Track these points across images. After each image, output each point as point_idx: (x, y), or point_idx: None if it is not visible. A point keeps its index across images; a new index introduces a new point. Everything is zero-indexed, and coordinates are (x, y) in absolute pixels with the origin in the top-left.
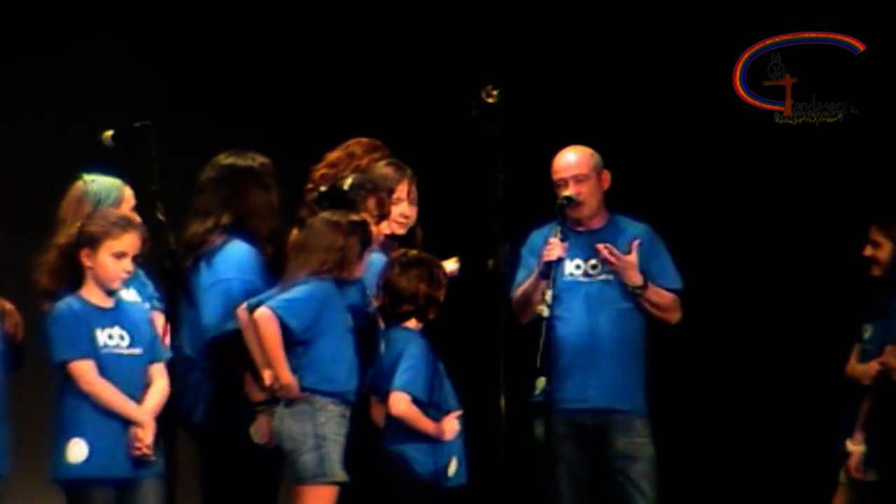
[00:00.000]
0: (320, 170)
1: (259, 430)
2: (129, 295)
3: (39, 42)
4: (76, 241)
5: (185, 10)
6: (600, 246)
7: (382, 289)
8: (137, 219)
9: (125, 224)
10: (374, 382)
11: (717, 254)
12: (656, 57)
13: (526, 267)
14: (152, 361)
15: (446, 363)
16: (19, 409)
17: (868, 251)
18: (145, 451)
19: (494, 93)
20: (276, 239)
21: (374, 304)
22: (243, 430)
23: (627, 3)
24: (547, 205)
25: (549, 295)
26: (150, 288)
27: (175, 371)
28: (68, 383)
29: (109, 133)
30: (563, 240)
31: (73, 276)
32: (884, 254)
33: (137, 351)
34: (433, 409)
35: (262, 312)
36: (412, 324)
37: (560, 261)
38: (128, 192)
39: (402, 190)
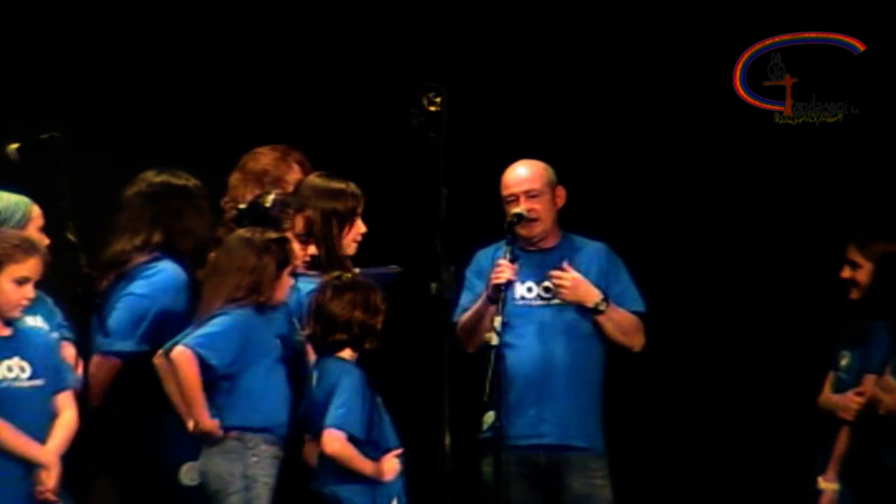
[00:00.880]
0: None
1: (190, 472)
2: (34, 321)
3: None
4: None
5: (94, 11)
6: (554, 274)
7: (313, 315)
8: (45, 240)
9: (29, 247)
10: (306, 419)
11: (717, 266)
12: (655, 57)
13: (472, 290)
14: (58, 391)
15: (385, 397)
16: None
17: (846, 273)
18: (49, 496)
19: (437, 100)
20: (204, 262)
21: (304, 332)
22: (172, 470)
23: (627, 3)
24: (495, 223)
25: (497, 321)
26: (59, 316)
27: (85, 404)
28: None
29: (14, 146)
30: (512, 261)
31: None
32: (863, 275)
33: (39, 382)
34: (371, 447)
35: (180, 352)
36: (346, 354)
37: (510, 283)
38: (35, 211)
39: (361, 206)
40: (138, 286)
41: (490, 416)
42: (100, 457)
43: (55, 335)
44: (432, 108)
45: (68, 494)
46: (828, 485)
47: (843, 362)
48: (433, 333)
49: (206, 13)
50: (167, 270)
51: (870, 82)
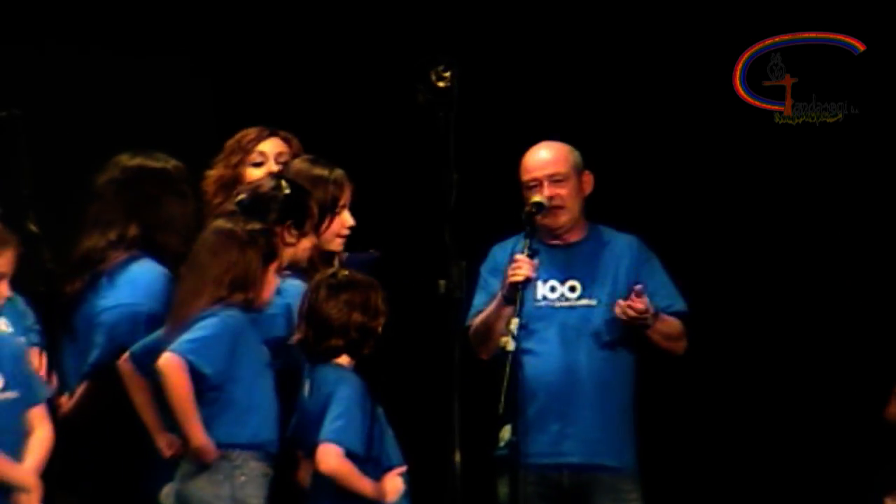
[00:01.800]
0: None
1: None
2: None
3: None
4: None
5: None
6: (623, 305)
7: (305, 318)
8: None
9: (1, 239)
10: (298, 433)
11: (717, 267)
12: (655, 57)
13: (487, 290)
14: (30, 405)
15: (387, 409)
16: None
17: None
18: None
19: (447, 74)
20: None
21: (295, 337)
22: (151, 494)
23: (627, 3)
24: (513, 213)
25: (514, 323)
26: (31, 319)
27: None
28: None
29: None
30: (531, 255)
31: None
32: None
33: (12, 395)
34: (371, 464)
35: (169, 360)
36: (343, 360)
37: (529, 282)
38: None
39: (346, 196)
40: (124, 294)
41: (506, 431)
42: (72, 477)
43: (22, 340)
44: (441, 84)
45: None
46: None
47: None
48: (442, 337)
49: None
50: (151, 272)
51: (870, 82)
